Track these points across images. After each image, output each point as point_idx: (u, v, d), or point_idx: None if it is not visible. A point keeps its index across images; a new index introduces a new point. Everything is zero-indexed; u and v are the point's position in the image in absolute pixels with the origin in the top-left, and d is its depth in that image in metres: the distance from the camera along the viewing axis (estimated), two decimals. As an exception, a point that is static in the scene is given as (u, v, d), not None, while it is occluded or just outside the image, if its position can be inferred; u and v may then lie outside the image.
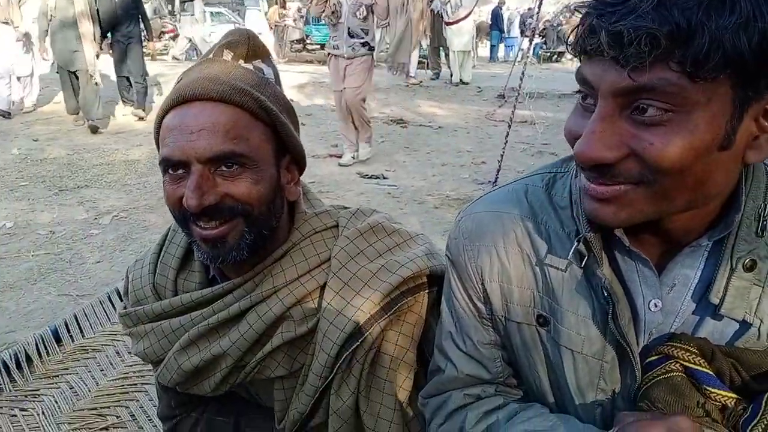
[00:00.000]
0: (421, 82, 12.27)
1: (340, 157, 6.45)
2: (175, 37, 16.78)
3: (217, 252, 0.99)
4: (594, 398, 0.88)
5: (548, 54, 19.17)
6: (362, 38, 5.97)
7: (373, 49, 6.12)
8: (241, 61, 1.05)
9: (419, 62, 12.98)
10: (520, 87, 4.92)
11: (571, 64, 18.03)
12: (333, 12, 5.81)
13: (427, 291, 1.11)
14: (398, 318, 1.08)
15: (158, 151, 1.01)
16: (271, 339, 1.07)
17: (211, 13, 17.48)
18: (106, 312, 2.02)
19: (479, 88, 11.84)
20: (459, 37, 11.66)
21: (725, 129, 0.68)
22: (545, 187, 0.93)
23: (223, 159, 0.95)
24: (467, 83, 12.12)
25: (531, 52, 7.28)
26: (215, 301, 1.08)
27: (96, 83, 7.25)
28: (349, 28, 5.91)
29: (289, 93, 10.43)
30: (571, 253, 0.85)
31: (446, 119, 8.93)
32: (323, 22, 6.70)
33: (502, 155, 5.16)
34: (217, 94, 0.96)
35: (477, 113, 9.37)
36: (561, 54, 19.38)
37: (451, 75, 12.34)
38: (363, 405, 1.07)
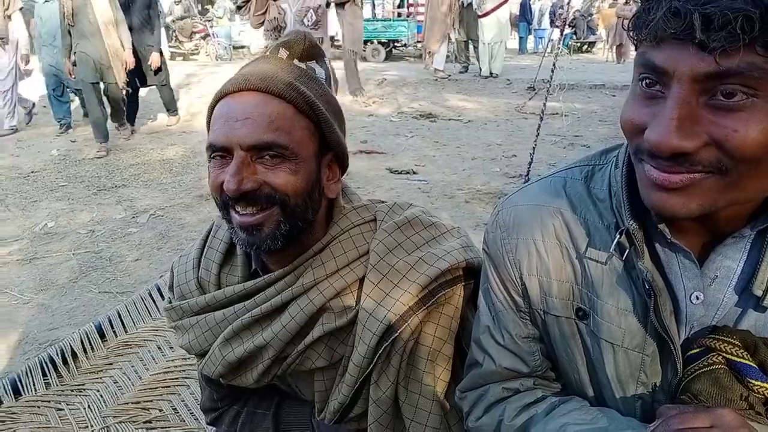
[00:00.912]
0: (449, 75, 12.22)
1: (369, 153, 6.46)
2: (205, 37, 16.98)
3: (253, 239, 1.02)
4: (634, 391, 0.87)
5: (578, 44, 18.92)
6: None
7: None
8: (296, 60, 1.09)
9: (447, 56, 12.93)
10: (551, 78, 4.86)
11: (601, 53, 17.75)
12: (276, 27, 4.96)
13: (464, 284, 1.12)
14: (436, 310, 1.09)
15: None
16: (312, 330, 1.09)
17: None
18: (147, 308, 2.06)
19: (508, 80, 11.74)
20: (493, 28, 11.58)
21: None
22: (584, 180, 0.93)
23: (265, 148, 0.99)
24: (497, 75, 12.03)
25: (561, 42, 7.14)
26: (257, 293, 1.11)
27: (123, 100, 6.90)
28: None
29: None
30: (613, 246, 0.85)
31: (476, 113, 8.88)
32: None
33: (533, 148, 5.12)
34: (266, 86, 1.01)
35: (507, 106, 9.30)
36: (592, 44, 19.11)
37: (480, 68, 12.26)
38: (402, 395, 1.09)
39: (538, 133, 4.91)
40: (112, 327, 1.96)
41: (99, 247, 4.24)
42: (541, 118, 4.82)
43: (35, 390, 1.70)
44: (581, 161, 0.97)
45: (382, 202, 1.24)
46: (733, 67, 0.64)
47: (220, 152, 1.01)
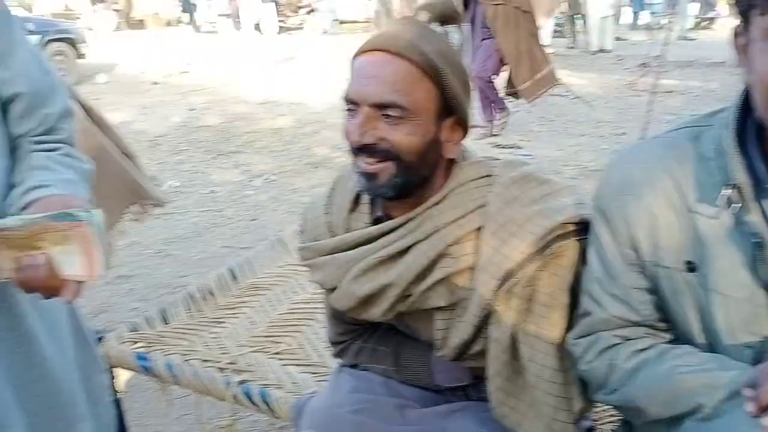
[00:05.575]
0: (556, 51, 11.89)
1: (473, 127, 6.48)
2: (311, 11, 17.38)
3: (369, 185, 1.17)
4: (745, 341, 0.92)
5: (698, 20, 17.72)
6: None
7: None
8: (434, 23, 1.19)
9: (555, 31, 12.56)
10: (664, 53, 4.67)
11: (722, 30, 16.56)
12: None
13: (578, 238, 1.19)
14: (553, 261, 1.16)
15: None
16: (433, 272, 1.20)
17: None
18: (270, 257, 2.28)
19: (619, 56, 11.26)
20: (601, 2, 11.12)
21: None
22: (691, 140, 0.98)
23: (386, 106, 1.11)
24: (609, 51, 11.56)
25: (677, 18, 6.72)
26: (380, 237, 1.24)
27: None
28: None
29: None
30: (720, 200, 0.90)
31: (584, 89, 8.62)
32: None
33: (645, 127, 4.96)
34: (394, 47, 1.11)
35: (617, 83, 8.98)
36: (711, 20, 17.85)
37: (588, 43, 11.83)
38: (521, 337, 1.18)
39: (650, 110, 4.76)
40: (242, 272, 2.18)
41: (220, 206, 4.58)
42: (653, 94, 4.66)
43: (180, 319, 1.95)
44: (687, 123, 1.02)
45: (497, 159, 1.32)
46: None
47: (351, 104, 1.15)
